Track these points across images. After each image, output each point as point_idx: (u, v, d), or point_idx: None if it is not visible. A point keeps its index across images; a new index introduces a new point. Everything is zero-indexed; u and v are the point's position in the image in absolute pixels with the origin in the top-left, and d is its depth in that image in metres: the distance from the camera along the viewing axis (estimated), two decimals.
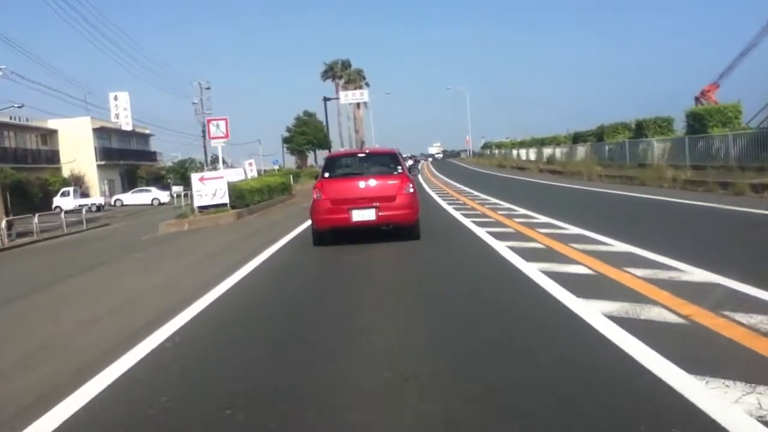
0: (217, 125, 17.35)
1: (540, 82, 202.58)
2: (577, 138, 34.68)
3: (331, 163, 10.03)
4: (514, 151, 53.59)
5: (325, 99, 42.26)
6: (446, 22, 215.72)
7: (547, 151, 40.32)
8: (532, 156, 44.74)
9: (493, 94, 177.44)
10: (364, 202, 8.89)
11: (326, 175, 9.47)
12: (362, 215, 8.88)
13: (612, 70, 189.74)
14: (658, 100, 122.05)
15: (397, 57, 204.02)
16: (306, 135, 41.53)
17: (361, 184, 9.09)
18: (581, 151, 32.80)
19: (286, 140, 42.26)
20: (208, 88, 66.71)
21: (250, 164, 59.35)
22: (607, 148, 28.48)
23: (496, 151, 66.38)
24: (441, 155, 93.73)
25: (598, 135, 30.52)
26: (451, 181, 30.58)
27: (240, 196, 16.90)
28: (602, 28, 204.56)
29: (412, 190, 9.26)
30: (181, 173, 65.11)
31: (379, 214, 8.88)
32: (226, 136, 17.59)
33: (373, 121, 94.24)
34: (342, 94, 44.07)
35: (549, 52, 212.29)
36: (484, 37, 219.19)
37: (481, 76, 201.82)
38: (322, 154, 54.09)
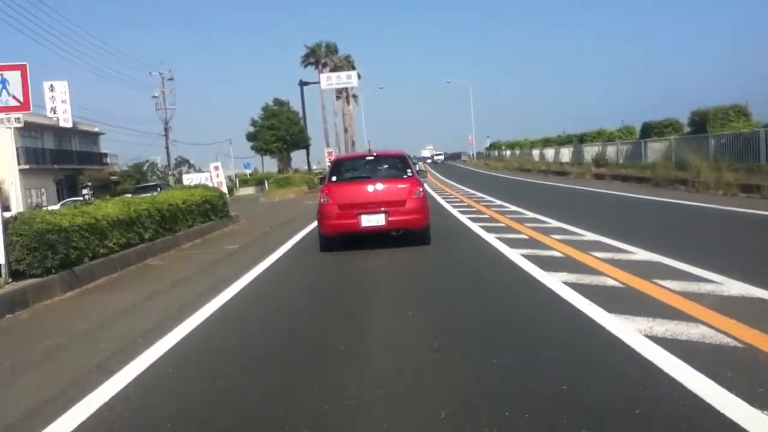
0: (1, 82, 7.58)
1: (542, 82, 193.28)
2: (647, 131, 25.10)
3: (338, 167, 9.81)
4: (535, 152, 44.14)
5: (302, 83, 32.40)
6: (443, 17, 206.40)
7: (590, 150, 30.80)
8: (566, 157, 35.25)
9: (494, 94, 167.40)
10: (373, 206, 8.61)
11: (333, 178, 9.24)
12: (371, 220, 8.59)
13: (613, 71, 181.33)
14: (655, 101, 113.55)
15: (390, 52, 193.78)
16: (276, 130, 31.22)
17: (370, 188, 8.81)
18: (656, 148, 23.28)
19: (250, 137, 31.96)
20: (171, 79, 56.86)
21: (216, 168, 49.71)
22: (713, 142, 18.89)
23: (508, 152, 56.97)
24: (442, 157, 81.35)
25: (697, 125, 20.92)
26: (477, 193, 20.91)
27: (45, 244, 7.09)
28: (601, 28, 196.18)
29: (422, 193, 8.91)
30: (137, 178, 55.27)
31: (389, 219, 8.58)
32: (24, 107, 7.73)
33: (365, 119, 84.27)
34: (323, 77, 33.85)
35: (551, 51, 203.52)
36: (484, 33, 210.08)
37: (480, 75, 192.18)
38: (299, 156, 44.39)
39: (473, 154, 77.93)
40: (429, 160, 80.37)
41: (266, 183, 39.39)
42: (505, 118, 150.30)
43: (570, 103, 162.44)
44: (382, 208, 8.61)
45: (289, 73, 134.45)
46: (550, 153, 39.18)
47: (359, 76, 71.72)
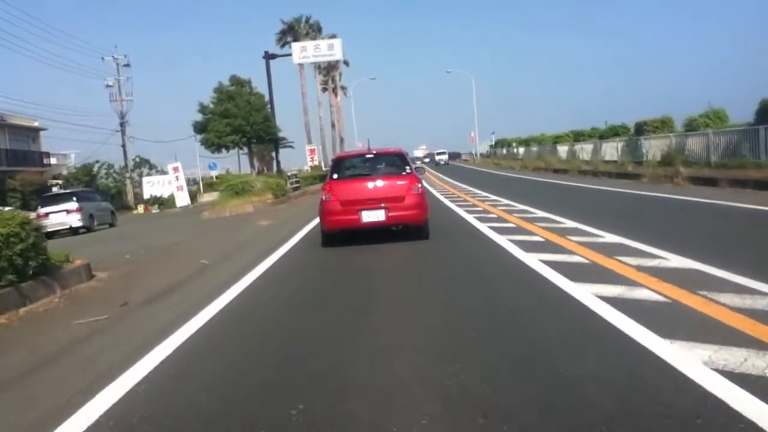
0: None
1: (544, 77, 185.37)
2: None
3: (339, 164, 9.85)
4: (561, 148, 36.26)
5: (268, 56, 24.03)
6: (441, 9, 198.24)
7: (656, 144, 22.90)
8: (611, 153, 27.33)
9: (495, 90, 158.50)
10: (373, 202, 8.82)
11: (335, 176, 9.39)
12: (372, 216, 8.80)
13: (614, 70, 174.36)
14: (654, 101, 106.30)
15: (384, 44, 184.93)
16: (231, 118, 22.63)
17: (370, 184, 9.04)
18: None
19: (199, 128, 23.07)
20: (128, 65, 48.80)
21: (176, 169, 41.56)
22: None
23: (521, 150, 49.15)
24: (445, 157, 67.79)
25: None
26: (540, 212, 12.80)
27: None
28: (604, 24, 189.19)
29: (420, 189, 9.07)
30: (86, 182, 46.83)
31: (389, 214, 8.78)
32: None
33: (355, 114, 76.10)
34: (296, 47, 25.26)
35: (550, 48, 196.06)
36: (483, 29, 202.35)
37: (478, 71, 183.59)
38: (286, 156, 35.84)
39: (475, 153, 69.80)
40: (427, 160, 71.89)
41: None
42: (507, 116, 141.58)
43: (572, 100, 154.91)
44: (382, 204, 8.77)
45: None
46: (586, 149, 31.24)
47: (347, 64, 63.89)
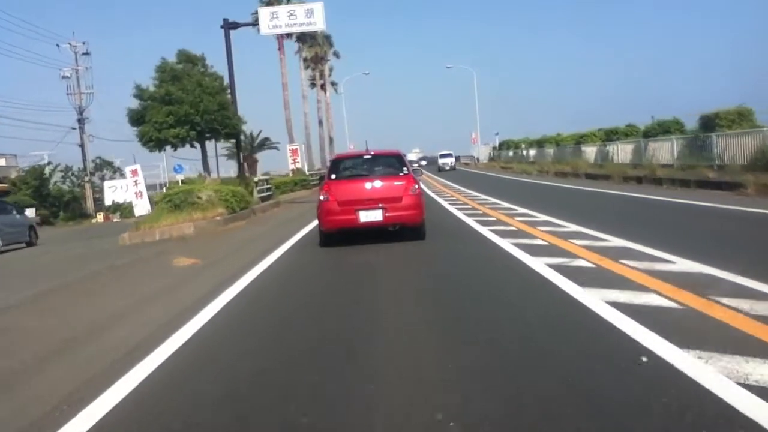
0: None
1: (544, 79, 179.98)
2: None
3: (337, 165, 9.97)
4: (588, 149, 30.70)
5: (228, 25, 18.22)
6: (440, 8, 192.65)
7: (729, 144, 17.38)
8: (663, 155, 21.77)
9: (495, 90, 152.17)
10: (370, 203, 8.86)
11: (333, 176, 9.45)
12: (369, 216, 8.83)
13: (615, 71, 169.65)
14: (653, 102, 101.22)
15: (379, 40, 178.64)
16: (176, 105, 16.47)
17: (368, 185, 9.07)
18: None
19: (135, 118, 17.03)
20: (87, 53, 43.08)
21: (134, 173, 35.78)
22: None
23: (531, 152, 43.63)
24: (452, 160, 53.44)
25: None
26: None
27: None
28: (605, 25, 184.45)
29: (417, 190, 9.12)
30: (35, 186, 40.88)
31: (386, 214, 8.82)
32: None
33: (347, 113, 70.43)
34: (266, 12, 19.34)
35: (553, 47, 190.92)
36: (482, 27, 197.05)
37: (480, 69, 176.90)
38: (273, 157, 30.08)
39: (477, 157, 63.99)
40: (424, 163, 66.03)
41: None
42: (509, 116, 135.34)
43: (574, 100, 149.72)
44: (380, 205, 8.79)
45: (249, 45, 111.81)
46: (625, 150, 25.66)
47: (337, 56, 58.15)
